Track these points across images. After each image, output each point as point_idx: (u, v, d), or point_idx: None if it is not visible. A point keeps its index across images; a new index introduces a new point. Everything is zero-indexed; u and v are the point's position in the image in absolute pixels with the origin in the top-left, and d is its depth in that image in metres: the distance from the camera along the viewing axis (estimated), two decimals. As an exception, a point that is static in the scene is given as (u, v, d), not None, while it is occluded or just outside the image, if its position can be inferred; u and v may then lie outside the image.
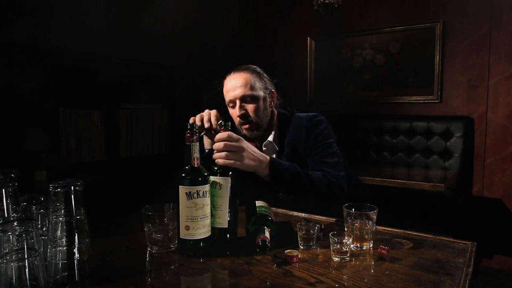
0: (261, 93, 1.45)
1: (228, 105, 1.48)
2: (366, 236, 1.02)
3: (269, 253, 0.99)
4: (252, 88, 1.42)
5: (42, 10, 2.43)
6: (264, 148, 1.51)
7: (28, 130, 2.39)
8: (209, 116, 1.32)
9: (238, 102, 1.42)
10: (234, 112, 1.45)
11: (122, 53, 2.85)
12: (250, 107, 1.43)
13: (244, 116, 1.43)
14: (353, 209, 1.06)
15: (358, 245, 1.03)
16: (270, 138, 1.52)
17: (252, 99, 1.42)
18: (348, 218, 1.05)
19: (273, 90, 1.52)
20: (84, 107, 2.63)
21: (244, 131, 1.46)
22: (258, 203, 1.19)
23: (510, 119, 2.81)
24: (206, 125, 1.30)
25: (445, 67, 3.04)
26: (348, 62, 3.47)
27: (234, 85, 1.43)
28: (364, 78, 3.41)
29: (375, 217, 1.04)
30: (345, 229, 1.05)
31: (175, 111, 3.28)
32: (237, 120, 1.45)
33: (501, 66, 2.83)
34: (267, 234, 1.00)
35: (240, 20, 3.86)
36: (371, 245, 1.03)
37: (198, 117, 1.32)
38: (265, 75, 1.51)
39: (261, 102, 1.45)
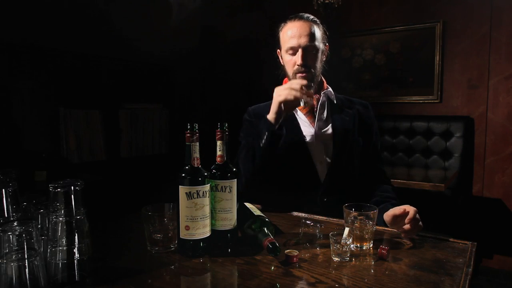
0: (321, 45, 1.45)
1: (287, 52, 1.44)
2: (366, 236, 1.02)
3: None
4: (316, 39, 1.41)
5: (42, 9, 2.43)
6: (321, 96, 1.50)
7: (28, 130, 2.39)
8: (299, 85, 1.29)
9: (300, 50, 1.40)
10: (292, 60, 1.43)
11: (122, 53, 2.85)
12: (311, 57, 1.41)
13: (305, 65, 1.41)
14: (353, 209, 1.06)
15: (358, 245, 1.02)
16: (330, 89, 1.54)
17: (315, 50, 1.42)
18: (348, 218, 1.05)
19: (327, 44, 1.50)
20: (84, 107, 2.63)
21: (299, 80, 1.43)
22: (248, 205, 1.18)
23: (510, 119, 2.81)
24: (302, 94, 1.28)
25: (445, 67, 3.04)
26: (348, 62, 3.47)
27: (298, 32, 1.40)
28: (364, 78, 3.41)
29: (375, 217, 1.04)
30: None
31: (175, 111, 3.28)
32: (294, 68, 1.43)
33: (501, 66, 2.83)
34: (270, 236, 0.99)
35: (240, 20, 3.86)
36: (371, 245, 1.03)
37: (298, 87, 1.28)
38: (322, 27, 1.48)
39: (320, 55, 1.45)
